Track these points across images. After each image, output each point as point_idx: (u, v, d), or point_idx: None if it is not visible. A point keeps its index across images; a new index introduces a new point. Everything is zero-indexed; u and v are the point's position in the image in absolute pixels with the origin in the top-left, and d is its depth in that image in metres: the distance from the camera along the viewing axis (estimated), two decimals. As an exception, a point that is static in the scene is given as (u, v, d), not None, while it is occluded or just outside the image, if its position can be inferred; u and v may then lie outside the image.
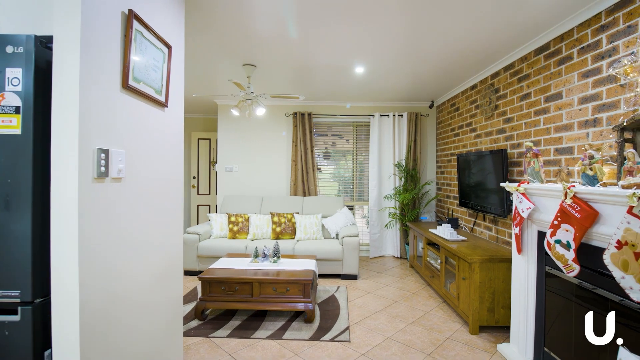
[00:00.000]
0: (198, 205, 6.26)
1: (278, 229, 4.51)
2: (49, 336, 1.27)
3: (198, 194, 6.26)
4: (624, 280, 1.49)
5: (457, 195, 4.24)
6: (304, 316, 2.95)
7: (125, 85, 1.46)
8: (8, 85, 1.23)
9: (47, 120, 1.25)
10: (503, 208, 3.10)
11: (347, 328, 2.82)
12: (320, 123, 5.46)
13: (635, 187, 1.54)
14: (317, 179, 5.31)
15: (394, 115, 5.17)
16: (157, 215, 1.76)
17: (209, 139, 6.27)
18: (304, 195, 5.22)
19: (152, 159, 1.71)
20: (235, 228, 4.48)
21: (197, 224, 6.15)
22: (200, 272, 4.06)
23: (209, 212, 6.11)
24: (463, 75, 3.91)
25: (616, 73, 2.02)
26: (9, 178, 1.23)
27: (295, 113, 5.21)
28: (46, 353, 1.30)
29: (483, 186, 3.51)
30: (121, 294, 1.45)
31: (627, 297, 1.48)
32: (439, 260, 3.46)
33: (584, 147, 2.07)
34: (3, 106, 1.22)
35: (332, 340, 2.63)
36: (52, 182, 1.20)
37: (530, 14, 2.40)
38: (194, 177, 6.25)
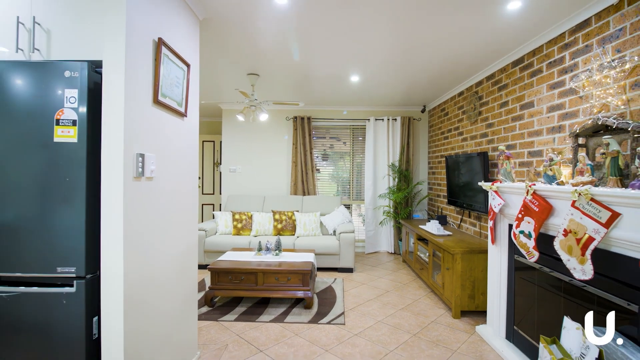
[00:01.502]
0: (203, 204, 6.56)
1: (279, 226, 4.81)
2: (96, 306, 1.58)
3: (203, 193, 6.56)
4: (569, 262, 1.79)
5: (446, 194, 4.55)
6: (304, 303, 3.25)
7: (156, 100, 1.76)
8: (66, 103, 1.54)
9: (95, 130, 1.56)
10: (486, 206, 3.40)
11: (342, 313, 3.12)
12: (319, 126, 5.76)
13: (580, 184, 1.85)
14: (316, 179, 5.62)
15: (389, 119, 5.49)
16: (178, 209, 2.07)
17: (213, 141, 6.57)
18: (304, 194, 5.52)
19: (174, 161, 2.02)
20: (239, 225, 4.78)
21: (202, 221, 6.44)
22: (207, 265, 4.35)
23: (214, 211, 6.41)
24: (451, 83, 4.22)
25: (576, 86, 2.34)
26: (67, 177, 1.54)
27: (296, 117, 5.52)
28: (94, 319, 1.61)
29: (469, 186, 3.81)
30: (153, 273, 1.76)
31: (572, 276, 1.79)
32: (428, 254, 3.76)
33: (548, 151, 2.38)
34: (63, 119, 1.53)
35: (328, 323, 2.93)
36: (102, 180, 1.50)
37: (508, 30, 2.67)
38: (199, 178, 6.55)
